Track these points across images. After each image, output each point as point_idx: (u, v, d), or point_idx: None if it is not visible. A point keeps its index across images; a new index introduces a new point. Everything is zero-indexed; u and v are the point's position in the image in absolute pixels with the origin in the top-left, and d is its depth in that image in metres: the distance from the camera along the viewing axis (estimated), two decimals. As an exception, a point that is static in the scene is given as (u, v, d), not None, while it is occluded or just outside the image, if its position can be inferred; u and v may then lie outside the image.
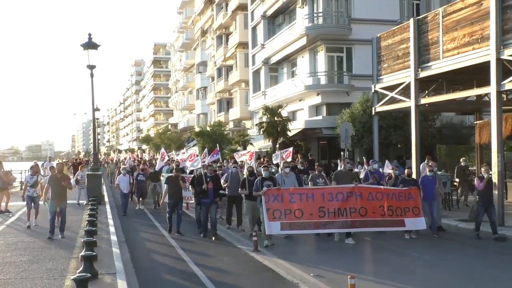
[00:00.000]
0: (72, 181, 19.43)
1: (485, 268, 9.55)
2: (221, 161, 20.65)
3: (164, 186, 15.05)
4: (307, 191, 11.57)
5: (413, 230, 12.10)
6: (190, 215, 16.67)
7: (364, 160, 14.55)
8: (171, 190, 13.71)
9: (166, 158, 23.17)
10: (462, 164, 17.27)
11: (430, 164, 14.49)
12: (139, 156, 44.10)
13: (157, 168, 20.97)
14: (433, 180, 12.89)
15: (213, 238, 12.53)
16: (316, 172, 13.18)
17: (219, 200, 13.39)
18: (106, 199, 21.17)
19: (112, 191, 26.60)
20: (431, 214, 12.62)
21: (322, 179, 12.79)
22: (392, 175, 13.45)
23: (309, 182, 12.92)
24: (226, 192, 14.28)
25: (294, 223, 10.98)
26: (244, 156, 18.86)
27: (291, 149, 19.42)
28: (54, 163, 36.25)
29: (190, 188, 14.87)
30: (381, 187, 12.36)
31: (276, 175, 12.60)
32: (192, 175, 14.61)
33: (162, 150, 24.49)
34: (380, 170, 15.36)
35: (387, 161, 15.94)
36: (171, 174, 14.70)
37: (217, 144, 21.34)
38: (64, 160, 59.74)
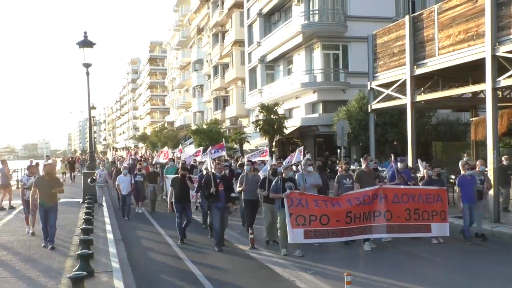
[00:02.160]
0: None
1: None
2: (225, 157, 19.77)
3: (169, 189, 13.21)
4: (332, 199, 10.52)
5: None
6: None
7: (392, 157, 13.09)
8: (178, 193, 12.03)
9: (170, 156, 21.54)
10: (504, 163, 14.84)
11: (467, 161, 12.85)
12: (137, 154, 42.67)
13: (154, 161, 20.26)
14: (471, 180, 11.52)
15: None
16: (343, 172, 11.98)
17: (232, 204, 11.77)
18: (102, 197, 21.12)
19: (109, 189, 26.53)
20: (470, 218, 11.29)
21: (350, 179, 11.61)
22: (425, 175, 12.23)
23: (335, 184, 11.71)
24: (239, 195, 12.86)
25: (319, 231, 9.91)
26: (262, 158, 17.88)
27: (302, 148, 18.88)
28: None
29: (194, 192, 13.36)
30: (407, 187, 11.36)
31: (296, 174, 11.23)
32: (199, 175, 13.47)
33: (166, 148, 23.54)
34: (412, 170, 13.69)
35: (419, 160, 14.31)
36: (176, 175, 12.91)
37: (223, 139, 19.72)
38: (60, 159, 59.46)
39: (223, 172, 11.77)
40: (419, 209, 10.57)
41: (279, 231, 10.41)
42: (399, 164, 12.63)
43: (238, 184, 12.62)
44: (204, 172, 12.95)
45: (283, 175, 10.54)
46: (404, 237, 10.92)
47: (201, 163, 17.24)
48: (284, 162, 14.60)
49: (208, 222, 12.80)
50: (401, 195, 10.57)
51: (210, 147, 20.90)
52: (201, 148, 21.01)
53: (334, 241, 10.41)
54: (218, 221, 11.05)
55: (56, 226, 10.94)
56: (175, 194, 12.14)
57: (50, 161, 30.53)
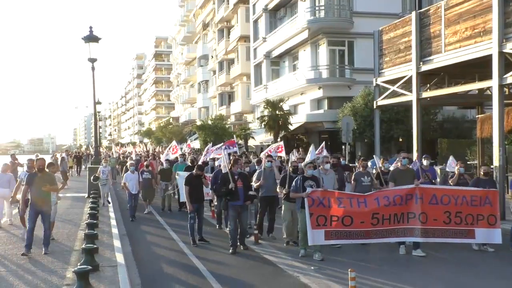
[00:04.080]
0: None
1: None
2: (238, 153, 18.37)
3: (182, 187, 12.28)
4: (358, 196, 9.68)
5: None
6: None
7: (416, 155, 12.36)
8: (194, 193, 11.23)
9: (179, 151, 20.41)
10: None
11: None
12: (146, 149, 41.17)
13: (162, 159, 19.33)
14: None
15: (242, 247, 10.50)
16: (361, 169, 11.27)
17: (250, 203, 11.02)
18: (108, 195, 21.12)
19: (116, 185, 26.60)
20: None
21: (368, 177, 10.94)
22: (456, 173, 11.22)
23: (352, 182, 11.06)
24: (256, 194, 11.86)
25: (341, 232, 9.26)
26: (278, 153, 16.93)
27: (323, 144, 16.91)
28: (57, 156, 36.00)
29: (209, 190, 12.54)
30: (448, 187, 10.39)
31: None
32: (216, 171, 12.75)
33: (174, 143, 22.29)
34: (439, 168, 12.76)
35: (451, 157, 13.30)
36: (190, 173, 11.95)
37: (234, 135, 18.52)
38: (63, 154, 59.23)
39: (242, 169, 11.12)
40: (462, 212, 9.55)
41: (299, 233, 9.86)
42: (424, 162, 11.95)
43: (255, 179, 11.91)
44: (223, 170, 12.10)
45: (304, 173, 9.92)
46: (444, 242, 9.85)
47: (212, 159, 16.55)
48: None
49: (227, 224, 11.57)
50: (441, 196, 9.59)
51: (222, 143, 20.16)
52: (209, 146, 20.03)
53: (359, 243, 9.71)
54: (234, 223, 10.39)
55: (50, 228, 10.06)
56: (191, 193, 11.21)
57: (63, 155, 30.67)
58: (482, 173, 10.64)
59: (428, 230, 9.48)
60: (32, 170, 11.15)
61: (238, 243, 10.47)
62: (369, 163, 17.22)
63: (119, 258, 9.14)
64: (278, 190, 10.87)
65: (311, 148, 13.25)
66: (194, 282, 8.27)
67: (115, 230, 12.06)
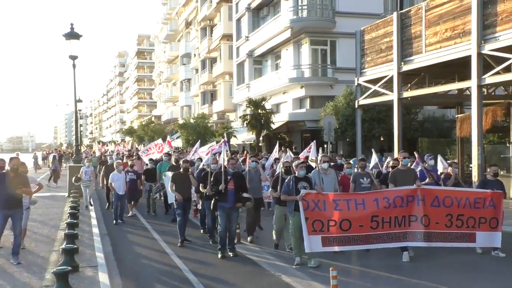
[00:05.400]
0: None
1: None
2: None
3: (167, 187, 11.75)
4: (356, 197, 9.08)
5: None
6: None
7: (416, 155, 11.62)
8: (181, 190, 11.07)
9: (166, 149, 19.24)
10: None
11: None
12: (129, 148, 39.50)
13: (143, 157, 18.57)
14: None
15: (231, 254, 9.81)
16: (360, 170, 10.34)
17: (242, 205, 10.12)
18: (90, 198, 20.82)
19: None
20: None
21: (368, 178, 10.11)
22: (451, 173, 10.60)
23: (351, 184, 10.16)
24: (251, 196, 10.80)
25: (339, 238, 8.72)
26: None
27: (312, 144, 15.38)
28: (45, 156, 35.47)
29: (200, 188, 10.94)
30: (451, 188, 9.89)
31: (311, 172, 9.95)
32: (204, 170, 11.90)
33: (160, 141, 21.21)
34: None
35: (440, 157, 12.71)
36: (178, 171, 11.79)
37: (225, 135, 17.57)
38: (44, 152, 58.59)
39: (235, 169, 10.41)
40: (464, 215, 9.12)
41: (291, 238, 9.30)
42: (429, 162, 10.99)
43: None
44: (204, 167, 11.66)
45: (296, 173, 9.32)
46: (443, 246, 9.33)
47: (199, 159, 15.31)
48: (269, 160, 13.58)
49: (206, 224, 11.55)
50: (443, 197, 9.13)
51: (215, 142, 19.34)
52: (214, 143, 18.90)
53: (358, 249, 9.19)
54: (224, 222, 9.78)
55: (20, 236, 9.19)
56: (177, 190, 11.04)
57: (53, 154, 30.15)
58: (491, 173, 9.92)
59: (431, 234, 9.03)
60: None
61: (229, 251, 9.88)
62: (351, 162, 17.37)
63: (100, 258, 9.06)
64: (269, 193, 10.30)
65: (313, 144, 12.50)
66: (175, 282, 8.23)
67: (95, 230, 11.95)
